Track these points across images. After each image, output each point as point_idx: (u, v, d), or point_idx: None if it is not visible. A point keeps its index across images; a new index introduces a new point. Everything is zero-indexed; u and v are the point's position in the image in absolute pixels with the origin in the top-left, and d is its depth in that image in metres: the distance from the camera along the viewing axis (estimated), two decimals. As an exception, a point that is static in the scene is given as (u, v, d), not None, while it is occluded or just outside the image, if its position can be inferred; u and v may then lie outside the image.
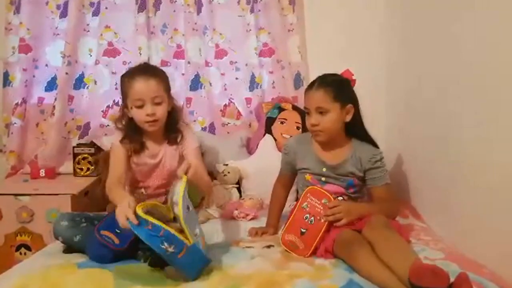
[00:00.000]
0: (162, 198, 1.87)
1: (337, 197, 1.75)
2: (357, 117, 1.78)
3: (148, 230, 1.39)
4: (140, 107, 1.75)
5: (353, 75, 1.80)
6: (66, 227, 1.67)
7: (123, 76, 1.83)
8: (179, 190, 1.50)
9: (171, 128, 1.87)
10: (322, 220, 1.65)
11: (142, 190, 1.91)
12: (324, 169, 1.79)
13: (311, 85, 1.77)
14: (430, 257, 1.55)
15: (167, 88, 1.83)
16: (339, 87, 1.74)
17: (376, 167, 1.78)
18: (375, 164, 1.78)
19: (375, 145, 1.82)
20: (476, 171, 1.63)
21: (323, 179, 1.79)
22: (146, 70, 1.80)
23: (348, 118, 1.76)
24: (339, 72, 1.81)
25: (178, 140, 1.87)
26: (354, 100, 1.77)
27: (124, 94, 1.80)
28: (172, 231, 1.40)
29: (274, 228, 1.85)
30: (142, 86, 1.73)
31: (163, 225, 1.40)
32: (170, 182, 1.82)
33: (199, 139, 2.43)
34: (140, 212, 1.41)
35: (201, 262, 1.46)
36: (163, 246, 1.38)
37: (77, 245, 1.65)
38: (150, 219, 1.40)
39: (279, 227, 1.83)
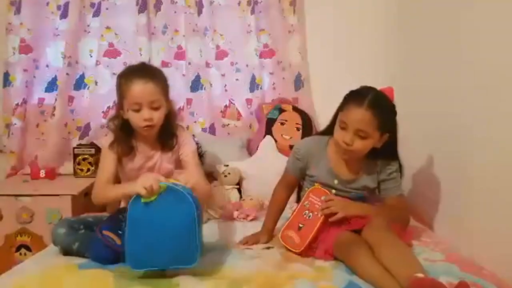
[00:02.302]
0: None
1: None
2: (392, 145, 1.70)
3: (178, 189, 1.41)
4: (137, 111, 1.67)
5: (393, 92, 1.68)
6: (64, 235, 1.64)
7: (120, 76, 1.74)
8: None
9: (166, 131, 1.79)
10: (319, 215, 1.64)
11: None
12: (335, 182, 1.74)
13: (359, 102, 1.59)
14: (430, 258, 1.55)
15: (166, 91, 1.74)
16: (387, 115, 1.62)
17: (391, 178, 1.74)
18: (391, 176, 1.74)
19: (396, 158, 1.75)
20: (477, 173, 1.63)
21: (333, 191, 1.74)
22: (144, 72, 1.71)
23: (379, 145, 1.66)
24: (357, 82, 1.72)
25: (174, 145, 1.80)
26: (394, 130, 1.68)
27: (121, 95, 1.72)
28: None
29: (268, 234, 1.78)
30: (140, 90, 1.65)
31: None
32: None
33: (198, 140, 2.46)
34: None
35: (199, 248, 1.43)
36: (195, 203, 1.40)
37: (76, 253, 1.62)
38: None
39: (274, 234, 1.79)
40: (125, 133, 1.76)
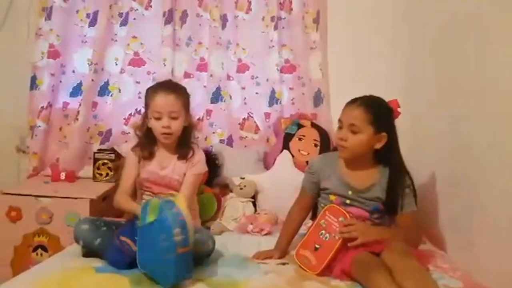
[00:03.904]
0: None
1: (360, 221, 1.72)
2: (393, 147, 1.74)
3: (171, 210, 1.48)
4: (158, 119, 1.86)
5: (399, 107, 1.76)
6: (87, 231, 1.71)
7: (148, 89, 1.95)
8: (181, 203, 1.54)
9: (184, 143, 1.95)
10: (337, 237, 1.64)
11: (149, 194, 1.94)
12: (349, 192, 1.77)
13: (353, 101, 1.75)
14: (450, 285, 1.54)
15: (186, 105, 1.92)
16: (379, 112, 1.72)
17: (405, 193, 1.75)
18: (404, 191, 1.75)
19: (407, 173, 1.78)
20: (494, 199, 1.62)
21: (347, 201, 1.76)
22: (168, 85, 1.94)
23: (379, 145, 1.73)
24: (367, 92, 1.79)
25: (189, 156, 1.94)
26: (390, 130, 1.74)
27: (146, 105, 1.92)
28: (189, 225, 1.47)
29: (281, 252, 1.79)
30: (162, 100, 1.85)
31: (187, 215, 1.48)
32: None
33: (215, 151, 2.50)
34: (178, 197, 1.54)
35: (189, 272, 1.49)
36: (174, 230, 1.44)
37: (97, 249, 1.69)
38: (180, 204, 1.50)
39: (288, 252, 1.81)
40: (147, 140, 1.94)
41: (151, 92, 1.91)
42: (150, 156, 1.93)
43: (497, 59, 1.64)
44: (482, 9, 1.76)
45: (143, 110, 2.62)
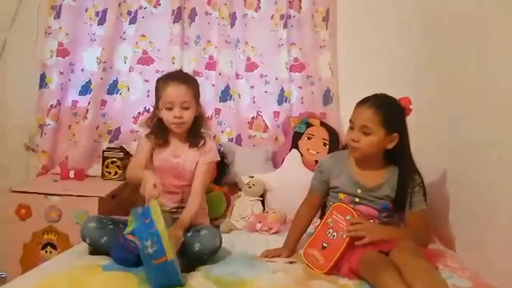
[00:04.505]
0: (175, 198, 1.92)
1: (369, 219, 1.72)
2: (404, 147, 1.73)
3: (144, 221, 1.45)
4: (170, 109, 1.86)
5: (411, 104, 1.74)
6: (93, 229, 1.72)
7: (158, 80, 1.95)
8: (155, 211, 1.51)
9: (195, 132, 1.96)
10: (344, 236, 1.64)
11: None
12: (358, 191, 1.76)
13: (364, 101, 1.72)
14: (458, 284, 1.52)
15: (196, 95, 1.93)
16: (391, 113, 1.70)
17: (414, 191, 1.74)
18: (414, 189, 1.74)
19: (417, 171, 1.77)
20: (504, 199, 1.60)
21: (356, 199, 1.76)
22: (179, 76, 1.94)
23: (390, 146, 1.71)
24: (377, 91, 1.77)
25: (200, 145, 1.94)
26: (402, 130, 1.72)
27: (157, 96, 1.93)
28: (163, 235, 1.43)
29: (289, 250, 1.79)
30: (174, 91, 1.86)
31: (159, 225, 1.44)
32: (186, 184, 1.91)
33: (224, 150, 2.49)
34: (153, 203, 1.50)
35: (173, 281, 1.46)
36: (146, 243, 1.42)
37: (104, 247, 1.70)
38: (154, 212, 1.46)
39: (296, 251, 1.80)
40: (160, 130, 1.94)
41: (162, 83, 1.91)
42: (164, 143, 1.94)
43: (497, 59, 1.64)
44: (482, 9, 1.75)
45: (152, 109, 2.67)
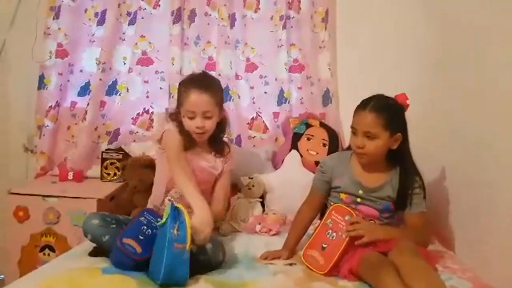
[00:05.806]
0: None
1: (370, 220, 1.72)
2: (404, 145, 1.73)
3: (176, 212, 1.53)
4: (192, 118, 1.83)
5: (407, 99, 1.73)
6: (96, 225, 1.67)
7: (181, 84, 1.93)
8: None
9: (217, 138, 1.96)
10: (344, 236, 1.63)
11: (177, 191, 1.91)
12: (360, 191, 1.75)
13: (364, 105, 1.70)
14: (458, 286, 1.52)
15: (220, 102, 1.91)
16: (392, 114, 1.69)
17: (414, 193, 1.74)
18: (414, 191, 1.74)
19: (418, 173, 1.77)
20: (504, 199, 1.60)
21: (358, 200, 1.76)
22: (202, 83, 1.86)
23: (395, 146, 1.71)
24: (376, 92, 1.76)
25: (225, 153, 1.96)
26: (404, 129, 1.72)
27: (179, 102, 1.89)
28: (188, 228, 1.49)
29: (289, 251, 1.78)
30: (196, 100, 1.82)
31: (187, 219, 1.51)
32: (206, 190, 1.90)
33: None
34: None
35: (182, 273, 1.48)
36: (173, 225, 1.48)
37: (105, 245, 1.66)
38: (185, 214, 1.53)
39: (296, 252, 1.79)
40: (186, 133, 1.88)
41: (184, 90, 1.85)
42: (191, 146, 1.88)
43: (497, 59, 1.63)
44: (482, 9, 1.75)
45: (151, 110, 2.67)
